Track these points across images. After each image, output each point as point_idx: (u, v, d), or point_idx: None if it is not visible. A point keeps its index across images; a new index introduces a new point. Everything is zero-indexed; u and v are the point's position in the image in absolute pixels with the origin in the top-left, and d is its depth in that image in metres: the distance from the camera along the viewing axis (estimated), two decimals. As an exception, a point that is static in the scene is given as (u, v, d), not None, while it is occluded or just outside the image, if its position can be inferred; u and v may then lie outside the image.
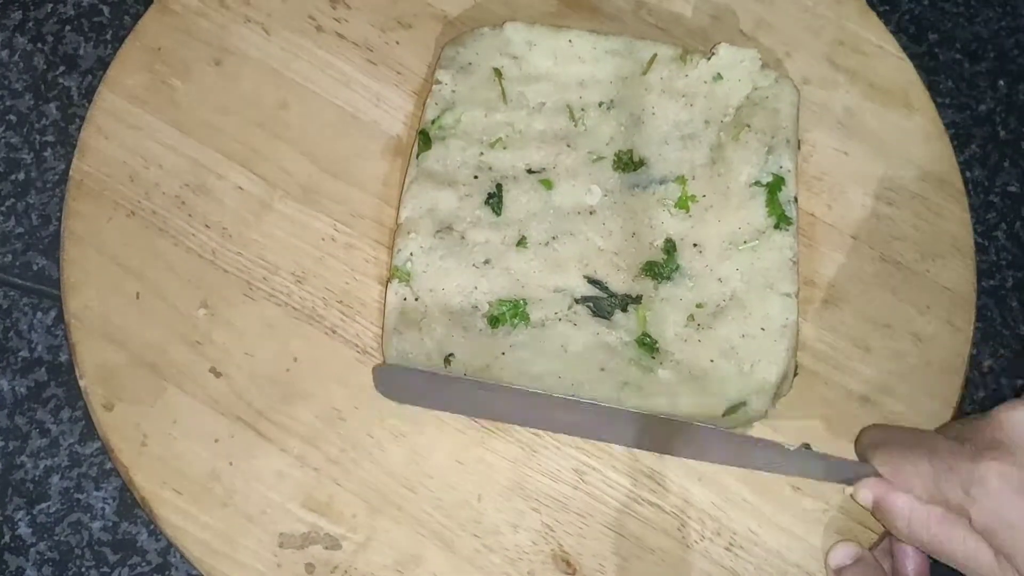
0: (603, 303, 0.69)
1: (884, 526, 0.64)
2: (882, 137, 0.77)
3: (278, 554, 0.66)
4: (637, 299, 0.69)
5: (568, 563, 0.67)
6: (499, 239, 0.70)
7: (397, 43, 0.77)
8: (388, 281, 0.69)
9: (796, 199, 0.71)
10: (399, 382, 0.67)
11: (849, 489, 0.64)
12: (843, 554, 0.66)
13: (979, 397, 0.79)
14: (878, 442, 0.65)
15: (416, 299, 0.68)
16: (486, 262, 0.69)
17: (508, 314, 0.67)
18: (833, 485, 0.68)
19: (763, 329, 0.68)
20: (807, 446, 0.66)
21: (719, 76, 0.74)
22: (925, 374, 0.71)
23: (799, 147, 0.74)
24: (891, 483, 0.62)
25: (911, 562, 0.66)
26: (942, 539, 0.60)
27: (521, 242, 0.70)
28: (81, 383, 0.69)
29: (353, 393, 0.69)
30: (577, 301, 0.69)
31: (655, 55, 0.74)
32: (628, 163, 0.72)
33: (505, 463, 0.68)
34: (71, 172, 0.73)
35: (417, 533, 0.67)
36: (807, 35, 0.79)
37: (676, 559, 0.67)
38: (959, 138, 0.85)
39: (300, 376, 0.69)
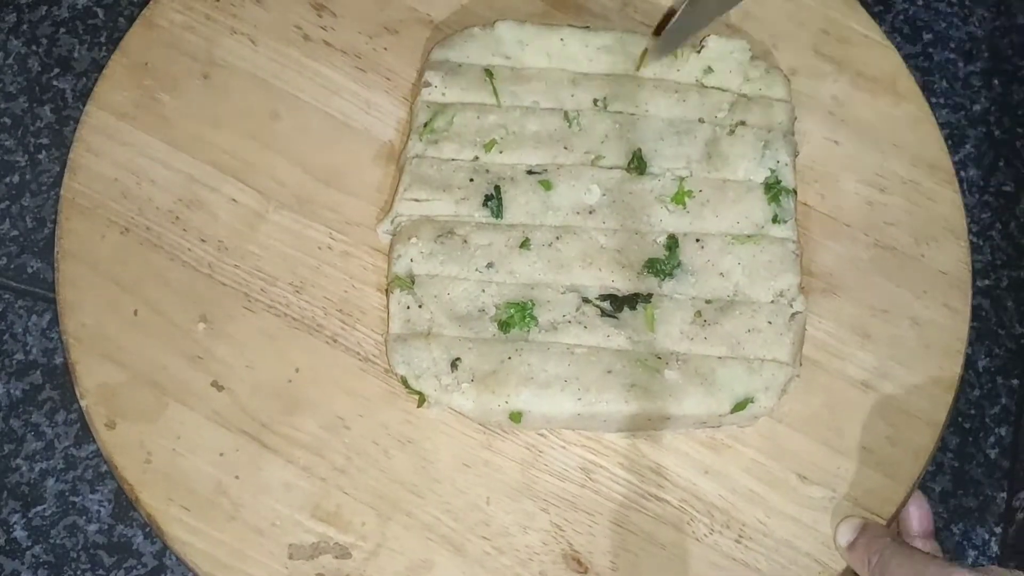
0: (612, 303, 0.68)
1: None
2: (871, 124, 0.77)
3: (289, 565, 0.66)
4: (647, 298, 0.69)
5: (579, 562, 0.67)
6: (502, 242, 0.69)
7: (385, 49, 0.77)
8: (388, 289, 0.69)
9: (795, 191, 0.71)
10: None
11: None
12: (849, 529, 0.67)
13: (975, 396, 0.79)
14: None
15: (420, 306, 0.68)
16: (489, 265, 0.69)
17: (516, 317, 0.67)
18: (838, 474, 0.68)
19: (769, 323, 0.68)
20: None
21: (710, 69, 0.74)
22: (924, 358, 0.72)
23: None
24: None
25: (916, 521, 0.68)
26: None
27: (524, 244, 0.69)
28: (82, 403, 0.68)
29: (357, 401, 0.69)
30: (586, 302, 0.68)
31: (646, 49, 0.74)
32: (640, 165, 0.71)
33: (512, 465, 0.68)
34: (63, 191, 0.72)
35: (427, 538, 0.67)
36: (792, 26, 0.79)
37: (687, 553, 0.67)
38: (954, 138, 0.85)
39: (303, 386, 0.69)
